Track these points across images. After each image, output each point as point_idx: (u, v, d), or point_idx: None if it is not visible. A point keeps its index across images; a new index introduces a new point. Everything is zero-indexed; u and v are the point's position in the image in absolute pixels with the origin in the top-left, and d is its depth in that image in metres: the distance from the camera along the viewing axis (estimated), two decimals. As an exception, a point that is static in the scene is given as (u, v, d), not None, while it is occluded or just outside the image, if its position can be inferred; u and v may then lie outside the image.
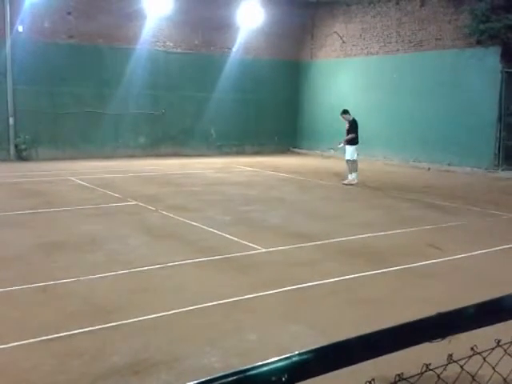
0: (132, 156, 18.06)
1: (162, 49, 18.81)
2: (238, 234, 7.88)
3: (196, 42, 19.49)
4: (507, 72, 15.58)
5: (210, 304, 5.13)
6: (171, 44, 19.01)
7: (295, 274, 6.18)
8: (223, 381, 0.97)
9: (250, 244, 7.33)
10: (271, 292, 5.51)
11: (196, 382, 0.96)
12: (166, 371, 3.87)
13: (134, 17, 17.96)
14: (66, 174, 13.66)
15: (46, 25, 16.68)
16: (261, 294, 5.44)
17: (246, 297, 5.36)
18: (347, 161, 13.27)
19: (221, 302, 5.18)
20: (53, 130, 17.03)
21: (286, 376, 1.04)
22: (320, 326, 4.74)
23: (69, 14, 16.99)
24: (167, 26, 18.74)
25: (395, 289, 5.83)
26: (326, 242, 7.65)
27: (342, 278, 6.04)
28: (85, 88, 17.42)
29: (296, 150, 21.76)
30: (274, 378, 1.02)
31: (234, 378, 0.98)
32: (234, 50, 20.16)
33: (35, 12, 16.36)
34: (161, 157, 18.28)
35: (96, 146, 17.77)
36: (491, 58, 15.72)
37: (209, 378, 0.96)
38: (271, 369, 1.03)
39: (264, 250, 7.09)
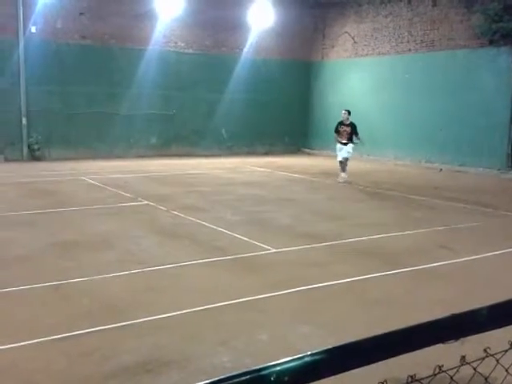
0: (143, 156, 18.14)
1: (173, 49, 18.87)
2: (248, 234, 7.88)
3: (207, 43, 19.53)
4: (520, 72, 15.47)
5: (222, 304, 5.13)
6: (182, 45, 19.07)
7: (306, 274, 6.17)
8: (236, 380, 0.97)
9: (261, 244, 7.33)
10: (282, 292, 5.51)
11: (208, 381, 0.96)
12: (177, 370, 3.88)
13: (145, 18, 18.04)
14: (78, 174, 13.75)
15: (59, 25, 16.80)
16: (272, 294, 5.44)
17: (256, 297, 5.36)
18: (346, 159, 13.59)
19: (232, 302, 5.19)
20: (65, 130, 17.15)
21: (298, 376, 1.04)
22: (331, 326, 4.73)
23: (81, 14, 17.10)
24: (178, 26, 18.79)
25: (407, 290, 5.80)
26: (337, 242, 7.63)
27: (353, 278, 6.02)
28: (97, 88, 17.52)
29: (306, 150, 21.73)
30: (286, 378, 1.02)
31: (247, 377, 0.98)
32: (245, 50, 20.18)
33: (48, 13, 16.49)
34: (172, 157, 18.33)
35: (108, 146, 17.87)
36: (503, 57, 15.61)
37: (223, 376, 0.97)
38: (284, 369, 1.03)
39: (275, 251, 7.09)
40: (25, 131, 16.61)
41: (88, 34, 17.27)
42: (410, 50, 18.33)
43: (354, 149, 13.71)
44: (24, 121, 16.55)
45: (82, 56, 17.17)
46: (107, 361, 4.01)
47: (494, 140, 15.88)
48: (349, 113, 13.80)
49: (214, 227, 8.31)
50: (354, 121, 13.77)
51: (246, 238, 7.64)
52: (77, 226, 8.32)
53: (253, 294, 5.44)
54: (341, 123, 13.84)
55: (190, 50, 19.23)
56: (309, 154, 21.30)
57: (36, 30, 16.43)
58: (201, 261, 6.55)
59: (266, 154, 20.47)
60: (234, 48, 20.11)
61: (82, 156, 17.16)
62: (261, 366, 1.01)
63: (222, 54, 19.79)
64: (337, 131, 13.87)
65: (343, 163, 13.68)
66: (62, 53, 16.84)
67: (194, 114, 19.49)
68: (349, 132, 13.60)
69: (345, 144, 13.61)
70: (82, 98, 17.36)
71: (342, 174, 13.62)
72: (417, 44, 18.09)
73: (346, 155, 13.60)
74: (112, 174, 14.22)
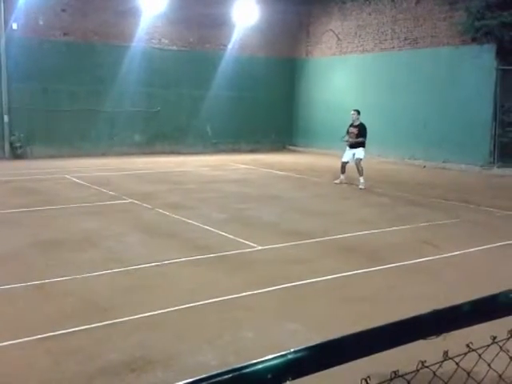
0: (127, 154, 18.01)
1: (157, 46, 18.77)
2: (233, 231, 7.88)
3: (191, 40, 19.45)
4: (502, 69, 15.61)
5: (206, 302, 5.12)
6: (166, 41, 18.97)
7: (291, 271, 6.18)
8: (219, 378, 0.97)
9: (246, 242, 7.33)
10: (267, 290, 5.51)
11: (192, 379, 0.95)
12: (162, 369, 3.87)
13: (129, 14, 17.91)
14: (60, 172, 13.62)
15: (41, 22, 16.61)
16: (257, 291, 5.44)
17: (242, 294, 5.36)
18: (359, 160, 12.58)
19: (217, 299, 5.18)
20: (48, 127, 16.97)
21: (281, 373, 1.04)
22: (316, 323, 4.74)
23: (63, 11, 16.92)
24: (162, 23, 18.69)
25: (391, 286, 5.84)
26: (322, 239, 7.65)
27: (337, 275, 6.04)
28: (80, 85, 17.36)
29: (292, 147, 21.76)
30: (269, 376, 1.02)
31: (230, 375, 0.98)
32: (229, 47, 20.13)
33: (29, 9, 16.29)
34: (156, 154, 18.24)
35: (91, 144, 17.72)
36: (486, 55, 15.74)
37: (205, 375, 0.96)
38: (267, 366, 1.03)
39: (260, 248, 7.09)
40: (6, 129, 16.41)
41: (70, 30, 17.10)
42: (393, 47, 18.42)
43: (364, 150, 12.67)
44: (6, 118, 16.35)
45: (65, 53, 17.00)
46: (92, 360, 3.98)
47: (476, 137, 16.02)
48: (358, 113, 12.76)
49: (199, 225, 8.29)
50: (363, 122, 12.75)
51: (231, 236, 7.63)
52: (60, 224, 8.24)
53: (238, 291, 5.43)
54: (351, 124, 12.86)
55: (174, 47, 19.14)
56: (294, 151, 21.32)
57: (17, 26, 16.22)
58: (186, 259, 6.53)
59: (252, 151, 20.45)
60: (219, 45, 20.05)
61: (65, 154, 17.00)
62: (244, 364, 1.01)
63: (206, 51, 19.73)
64: (347, 133, 12.86)
65: (344, 167, 12.76)
66: (44, 50, 16.65)
67: (179, 111, 19.41)
68: (356, 133, 12.63)
69: (354, 147, 12.65)
70: (65, 95, 17.19)
71: (342, 177, 12.79)
72: (400, 41, 18.19)
73: (357, 157, 12.55)
74: (95, 172, 14.12)
